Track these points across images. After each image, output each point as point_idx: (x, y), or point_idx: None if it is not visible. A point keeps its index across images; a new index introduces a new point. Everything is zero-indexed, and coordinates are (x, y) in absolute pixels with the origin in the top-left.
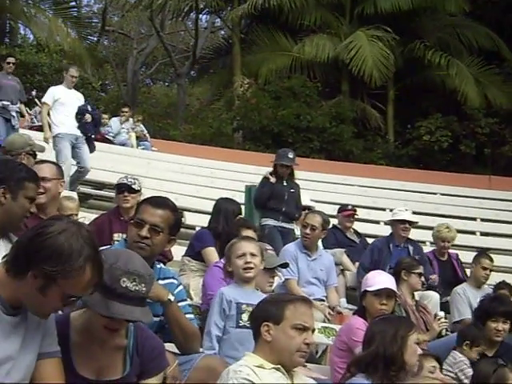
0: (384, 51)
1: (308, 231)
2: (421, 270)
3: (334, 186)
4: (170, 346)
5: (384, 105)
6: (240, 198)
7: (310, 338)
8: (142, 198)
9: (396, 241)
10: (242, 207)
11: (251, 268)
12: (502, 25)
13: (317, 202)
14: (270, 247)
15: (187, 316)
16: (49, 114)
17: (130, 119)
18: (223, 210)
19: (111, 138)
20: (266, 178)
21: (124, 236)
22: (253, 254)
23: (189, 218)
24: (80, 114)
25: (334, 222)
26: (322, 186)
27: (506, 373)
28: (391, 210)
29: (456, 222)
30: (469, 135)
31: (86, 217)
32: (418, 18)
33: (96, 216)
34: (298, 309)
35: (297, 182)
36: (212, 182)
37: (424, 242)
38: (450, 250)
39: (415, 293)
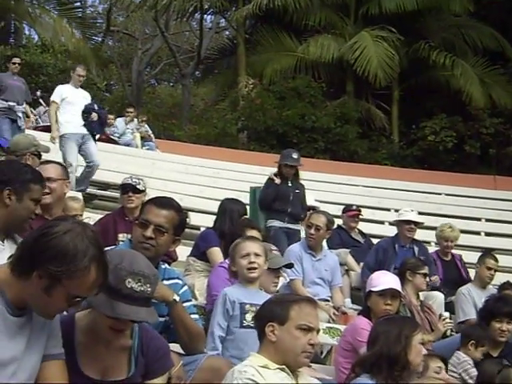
0: (389, 51)
1: (312, 231)
2: (426, 270)
3: (338, 187)
4: (175, 347)
5: (389, 105)
6: (245, 198)
7: (314, 339)
8: (147, 198)
9: (401, 241)
10: (247, 208)
11: (255, 268)
12: (507, 25)
13: (321, 202)
14: (275, 247)
15: (192, 316)
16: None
17: (135, 119)
18: (228, 210)
19: (116, 139)
20: (270, 179)
21: (129, 236)
22: (257, 254)
23: (193, 219)
24: (86, 112)
25: (338, 222)
26: (326, 187)
27: (510, 373)
28: (396, 211)
29: (460, 223)
30: (473, 135)
31: (91, 217)
32: (423, 19)
33: (101, 216)
34: (302, 309)
35: (302, 182)
36: (216, 183)
37: (429, 243)
38: (454, 251)
39: (420, 293)
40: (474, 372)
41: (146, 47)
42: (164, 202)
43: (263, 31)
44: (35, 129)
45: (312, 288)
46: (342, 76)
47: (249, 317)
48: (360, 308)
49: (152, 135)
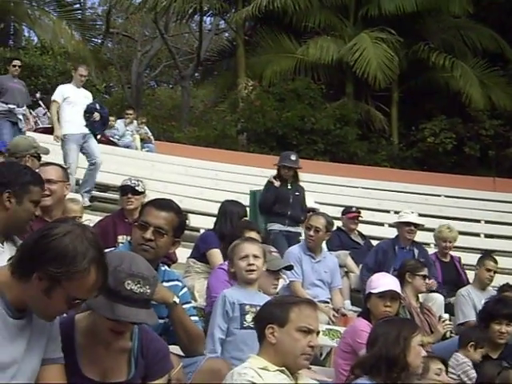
0: (388, 53)
1: (312, 233)
2: (425, 272)
3: (338, 188)
4: (175, 349)
5: (388, 107)
6: (245, 200)
7: (314, 341)
8: (147, 200)
9: (401, 243)
10: (247, 210)
11: (254, 270)
12: (506, 27)
13: (321, 203)
14: (275, 249)
15: (192, 318)
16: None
17: (135, 121)
18: (228, 212)
19: (116, 141)
20: (270, 183)
21: (128, 238)
22: (255, 256)
23: (193, 220)
24: (88, 112)
25: (338, 224)
26: (326, 188)
27: (510, 375)
28: (396, 212)
29: (460, 224)
30: (473, 137)
31: (91, 219)
32: (422, 20)
33: (100, 218)
34: (302, 311)
35: (301, 184)
36: (216, 184)
37: (428, 244)
38: (454, 253)
39: (419, 295)
40: (473, 374)
41: (145, 49)
42: (163, 204)
43: (263, 33)
44: (35, 130)
45: (311, 290)
46: (341, 78)
47: (249, 318)
48: (360, 310)
49: (152, 137)
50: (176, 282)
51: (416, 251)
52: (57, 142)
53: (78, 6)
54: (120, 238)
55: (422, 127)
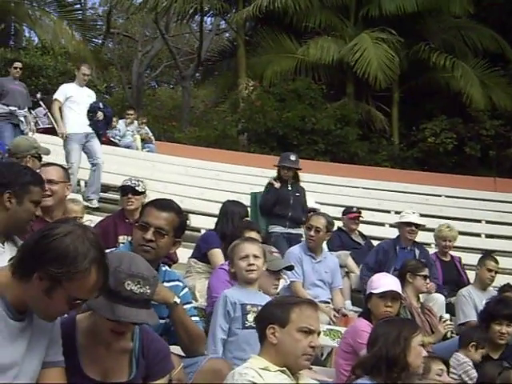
0: (389, 53)
1: (312, 233)
2: (426, 272)
3: (338, 188)
4: (176, 349)
5: (389, 107)
6: (246, 200)
7: (315, 341)
8: (147, 200)
9: (402, 243)
10: (249, 210)
11: (254, 270)
12: (507, 27)
13: (322, 204)
14: (275, 249)
15: (193, 318)
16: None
17: (135, 122)
18: (230, 212)
19: (117, 141)
20: (270, 184)
21: (129, 238)
22: (256, 256)
23: (194, 221)
24: (92, 111)
25: (338, 224)
26: (326, 188)
27: (511, 375)
28: (396, 213)
29: (461, 224)
30: (474, 137)
31: (92, 219)
32: (423, 20)
33: (101, 218)
34: (303, 312)
35: (302, 184)
36: (217, 185)
37: (429, 244)
38: (454, 253)
39: (420, 295)
40: (473, 373)
41: (146, 49)
42: (164, 205)
43: (263, 33)
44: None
45: (312, 290)
46: (342, 78)
47: (250, 317)
48: (360, 310)
49: (152, 137)
50: (177, 283)
51: (417, 251)
52: (61, 138)
53: (78, 6)
54: (121, 239)
55: (423, 127)
